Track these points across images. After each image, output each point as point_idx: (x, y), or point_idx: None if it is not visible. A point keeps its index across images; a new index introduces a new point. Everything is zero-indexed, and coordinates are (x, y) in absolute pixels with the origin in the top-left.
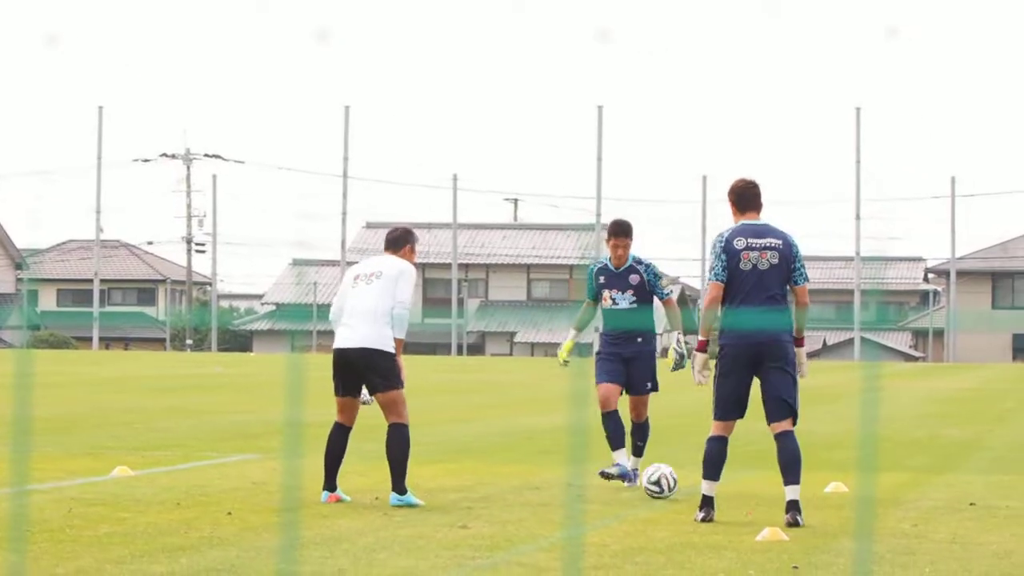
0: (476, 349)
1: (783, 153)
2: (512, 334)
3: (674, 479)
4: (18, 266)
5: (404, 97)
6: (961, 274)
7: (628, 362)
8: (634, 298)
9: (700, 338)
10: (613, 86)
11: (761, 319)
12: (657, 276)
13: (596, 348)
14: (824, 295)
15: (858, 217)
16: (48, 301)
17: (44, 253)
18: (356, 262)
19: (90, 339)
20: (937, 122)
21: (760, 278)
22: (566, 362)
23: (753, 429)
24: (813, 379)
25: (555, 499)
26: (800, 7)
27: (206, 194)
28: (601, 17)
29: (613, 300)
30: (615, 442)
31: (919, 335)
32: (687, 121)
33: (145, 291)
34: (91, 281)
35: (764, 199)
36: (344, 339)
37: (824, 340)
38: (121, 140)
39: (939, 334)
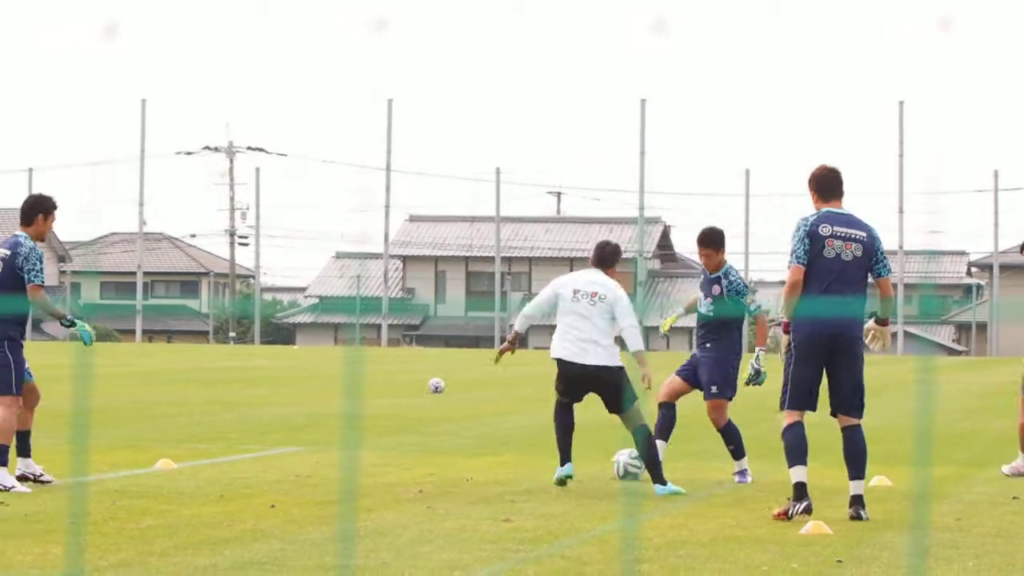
0: (519, 342)
1: (826, 146)
2: (554, 327)
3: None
4: (61, 258)
5: (448, 90)
6: (1004, 268)
7: (700, 364)
8: (712, 306)
9: (784, 320)
10: (656, 80)
11: (839, 309)
12: (739, 293)
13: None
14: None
15: (901, 211)
16: (91, 293)
17: (87, 245)
18: (399, 256)
19: (133, 331)
20: (980, 115)
21: (844, 269)
22: (666, 335)
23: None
24: None
25: (597, 492)
26: (844, 1)
27: (249, 187)
28: (646, 10)
29: (699, 302)
30: (657, 432)
31: (962, 329)
32: (730, 115)
33: (188, 284)
34: (134, 274)
35: (803, 191)
36: (572, 354)
37: None
38: (164, 133)
39: (982, 328)
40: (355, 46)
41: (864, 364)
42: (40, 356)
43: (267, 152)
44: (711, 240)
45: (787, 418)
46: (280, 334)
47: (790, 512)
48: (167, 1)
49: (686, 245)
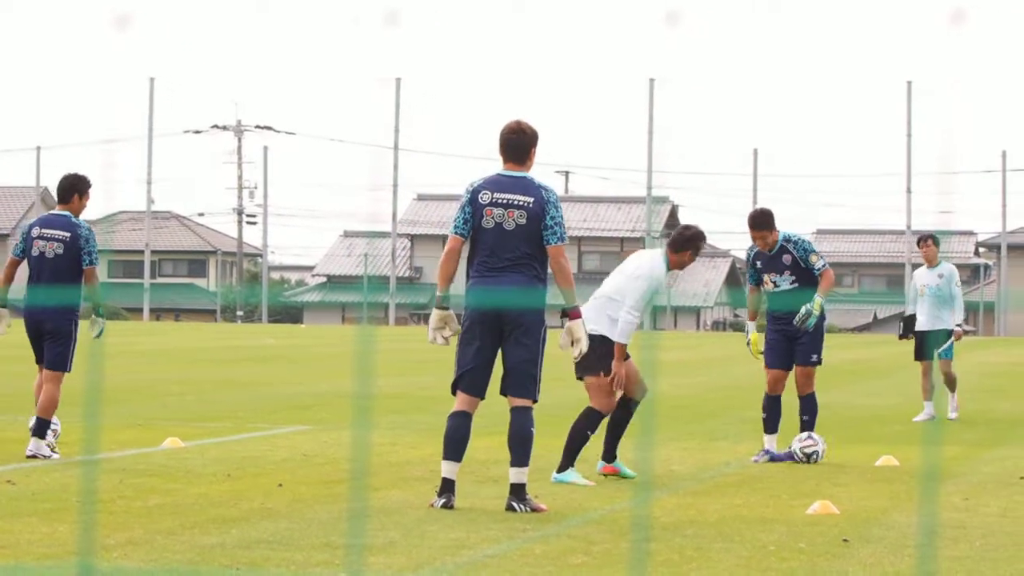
0: None
1: (835, 126)
2: (562, 306)
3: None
4: None
5: (456, 70)
6: (1012, 248)
7: (795, 339)
8: (793, 278)
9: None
10: (665, 59)
11: (499, 289)
12: (807, 252)
13: (767, 326)
14: (875, 268)
15: (909, 191)
16: (99, 272)
17: (95, 224)
18: (407, 235)
19: (141, 310)
20: (988, 96)
21: (505, 239)
22: (762, 353)
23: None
24: (864, 352)
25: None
26: None
27: (257, 165)
28: None
29: (774, 283)
30: (769, 425)
31: (969, 309)
32: (738, 94)
33: (196, 262)
34: (142, 252)
35: (811, 171)
36: None
37: (875, 314)
38: (173, 111)
39: (990, 308)
40: (364, 25)
41: (537, 345)
42: None
43: (275, 131)
44: (761, 222)
45: (456, 403)
46: (288, 313)
47: (432, 503)
48: None
49: (694, 222)
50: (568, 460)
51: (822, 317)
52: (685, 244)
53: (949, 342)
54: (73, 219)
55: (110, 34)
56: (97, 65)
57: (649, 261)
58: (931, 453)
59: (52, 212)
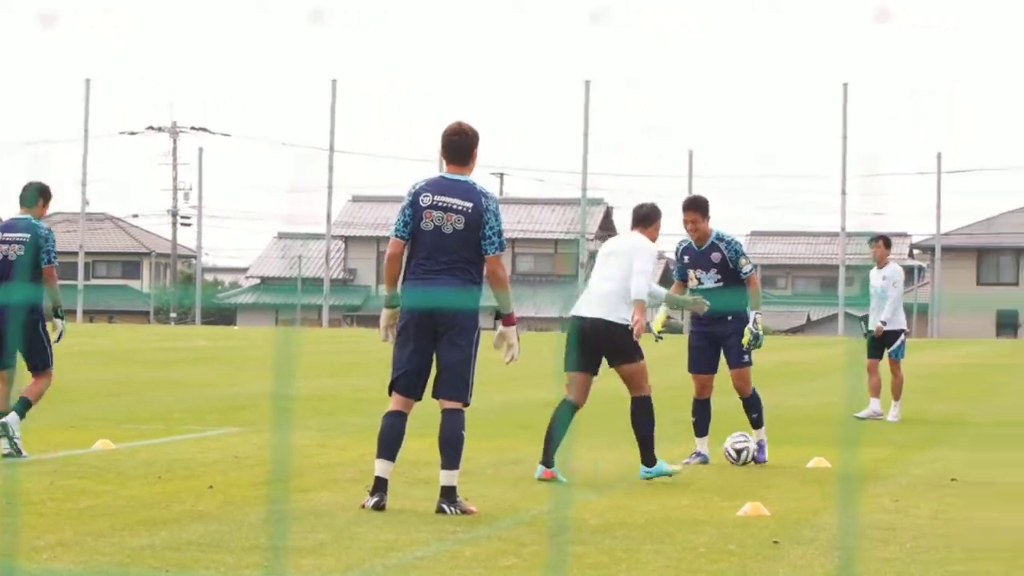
0: None
1: (769, 128)
2: (496, 308)
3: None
4: None
5: (390, 72)
6: (946, 250)
7: (722, 340)
8: (719, 276)
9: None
10: (601, 61)
11: (432, 292)
12: (738, 254)
13: (689, 328)
14: (808, 270)
15: (844, 192)
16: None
17: None
18: (341, 236)
19: (74, 312)
20: (924, 99)
21: (442, 243)
22: (660, 337)
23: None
24: (798, 354)
25: (535, 474)
26: None
27: (192, 167)
28: None
29: (699, 280)
30: (699, 429)
31: (904, 311)
32: (673, 96)
33: (130, 264)
34: (76, 254)
35: (749, 173)
36: (577, 309)
37: (808, 316)
38: (108, 113)
39: (923, 310)
40: (299, 28)
41: (471, 347)
42: None
43: (210, 132)
44: (696, 204)
45: (391, 403)
46: (221, 315)
47: (364, 503)
48: None
49: (628, 226)
50: (651, 454)
51: (746, 318)
52: (649, 217)
53: (899, 342)
54: (33, 221)
55: (46, 35)
56: (31, 67)
57: (634, 238)
58: (849, 455)
59: (13, 217)
